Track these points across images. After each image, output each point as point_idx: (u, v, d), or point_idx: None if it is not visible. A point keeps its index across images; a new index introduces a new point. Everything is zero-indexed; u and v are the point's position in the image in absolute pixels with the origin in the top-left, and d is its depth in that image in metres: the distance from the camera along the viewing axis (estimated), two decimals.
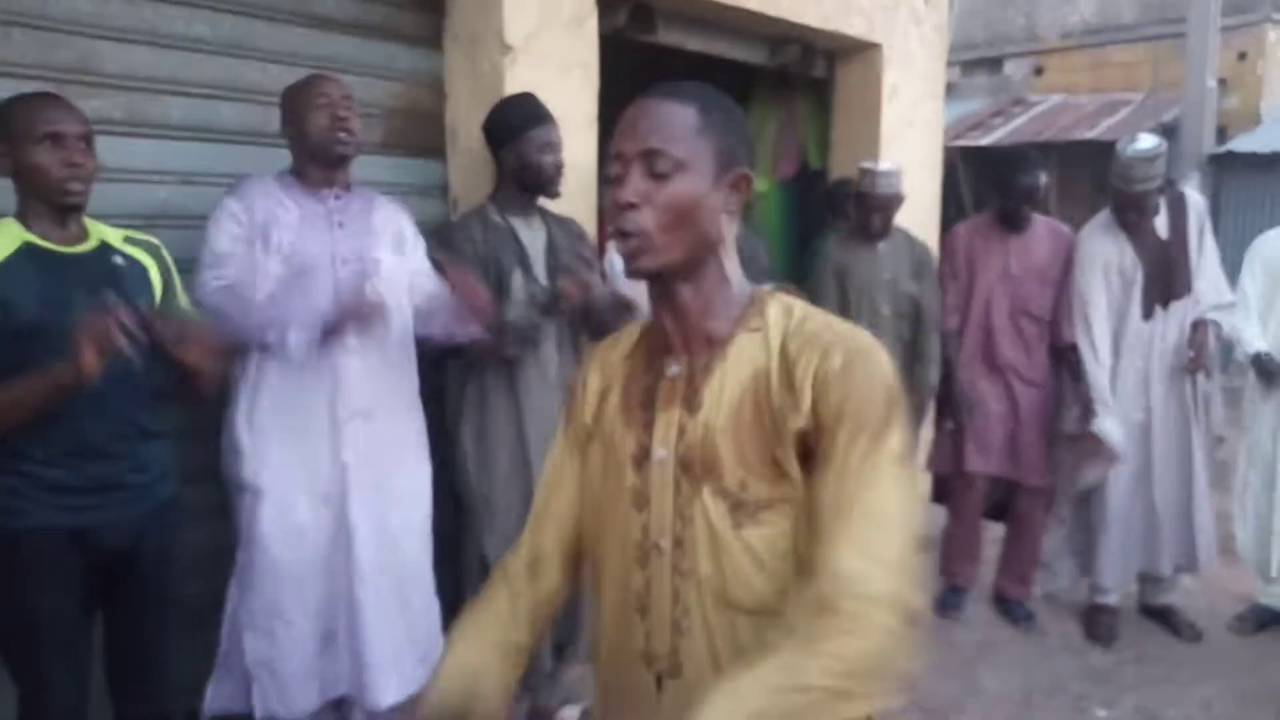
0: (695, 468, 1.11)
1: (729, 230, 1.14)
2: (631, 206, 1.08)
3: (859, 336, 1.10)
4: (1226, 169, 9.40)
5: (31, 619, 1.93)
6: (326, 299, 2.22)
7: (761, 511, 1.08)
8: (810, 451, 1.06)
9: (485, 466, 2.65)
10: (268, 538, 2.25)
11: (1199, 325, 3.38)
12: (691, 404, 1.13)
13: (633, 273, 1.12)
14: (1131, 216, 3.36)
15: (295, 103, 2.30)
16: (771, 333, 1.12)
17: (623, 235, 1.10)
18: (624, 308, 2.67)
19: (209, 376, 2.01)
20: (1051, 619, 3.70)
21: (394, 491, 2.39)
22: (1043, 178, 3.52)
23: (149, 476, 2.03)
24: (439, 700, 1.19)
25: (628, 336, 1.28)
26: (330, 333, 2.20)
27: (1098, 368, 3.40)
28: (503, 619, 1.27)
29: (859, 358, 1.06)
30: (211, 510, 2.34)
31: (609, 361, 1.27)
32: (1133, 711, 3.09)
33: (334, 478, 2.29)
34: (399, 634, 2.40)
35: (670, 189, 1.08)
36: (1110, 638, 3.55)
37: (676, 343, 1.17)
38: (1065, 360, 3.55)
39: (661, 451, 1.14)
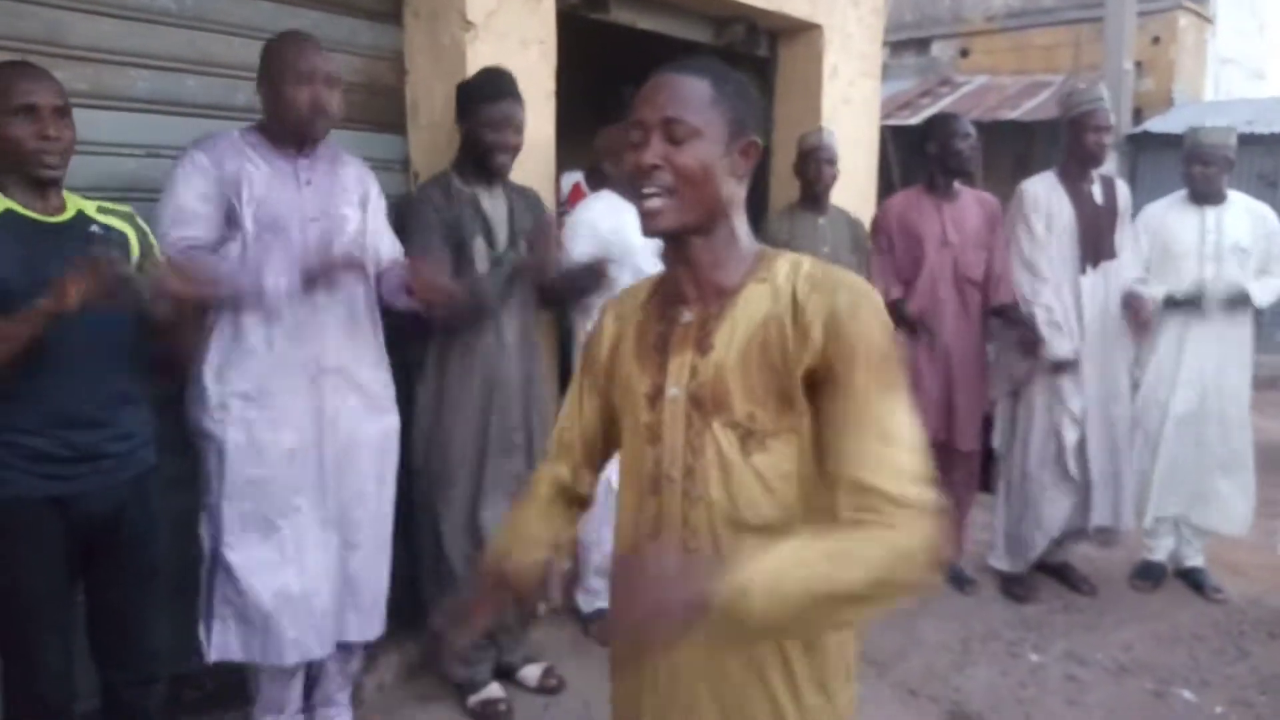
0: (706, 403, 1.23)
1: (739, 193, 1.27)
2: (654, 168, 1.19)
3: (859, 281, 1.22)
4: (1142, 148, 9.82)
5: (14, 589, 1.95)
6: (296, 256, 2.25)
7: (769, 440, 1.21)
8: (817, 383, 1.18)
9: (441, 430, 2.71)
10: (238, 485, 2.28)
11: (1132, 292, 3.63)
12: (703, 347, 1.25)
13: (651, 231, 1.22)
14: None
15: (278, 65, 2.23)
16: (780, 282, 1.23)
17: (643, 196, 1.21)
18: (598, 273, 2.77)
19: (185, 336, 2.02)
20: (982, 572, 3.91)
21: (367, 444, 2.45)
22: (974, 135, 3.70)
23: (131, 444, 2.05)
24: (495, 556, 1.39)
25: (642, 288, 1.40)
26: (307, 284, 2.24)
27: (1048, 301, 3.58)
28: (540, 513, 1.46)
29: (864, 299, 1.19)
30: (189, 478, 2.36)
31: (624, 310, 1.39)
32: (1062, 655, 3.31)
33: (312, 431, 2.32)
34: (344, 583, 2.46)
35: (687, 153, 1.19)
36: (1030, 597, 3.75)
37: (690, 294, 1.28)
38: (1004, 317, 3.66)
39: (674, 390, 1.26)
